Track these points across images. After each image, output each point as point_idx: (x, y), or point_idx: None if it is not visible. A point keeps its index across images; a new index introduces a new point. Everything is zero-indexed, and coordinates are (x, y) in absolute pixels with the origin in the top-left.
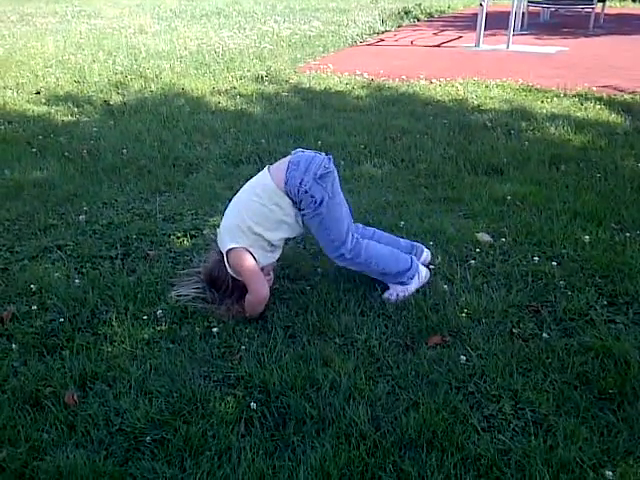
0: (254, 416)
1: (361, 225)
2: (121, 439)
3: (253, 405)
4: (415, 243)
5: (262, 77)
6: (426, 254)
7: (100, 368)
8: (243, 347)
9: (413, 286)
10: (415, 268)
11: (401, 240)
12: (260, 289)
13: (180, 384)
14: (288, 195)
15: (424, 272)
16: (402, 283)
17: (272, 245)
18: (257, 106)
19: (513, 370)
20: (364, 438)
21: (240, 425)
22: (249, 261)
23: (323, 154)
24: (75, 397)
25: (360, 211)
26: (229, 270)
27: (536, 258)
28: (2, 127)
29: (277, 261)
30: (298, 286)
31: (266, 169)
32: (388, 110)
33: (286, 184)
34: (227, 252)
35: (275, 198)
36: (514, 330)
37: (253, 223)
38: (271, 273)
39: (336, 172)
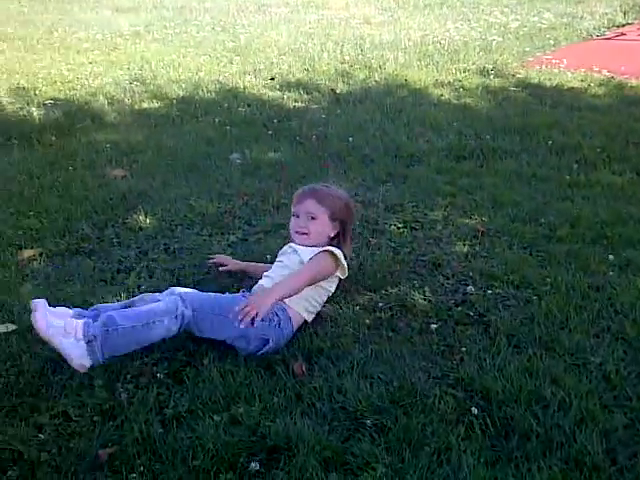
0: (474, 422)
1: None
2: (343, 417)
3: (474, 410)
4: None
5: (488, 70)
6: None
7: (325, 344)
8: (464, 349)
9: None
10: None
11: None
12: None
13: (400, 374)
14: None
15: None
16: None
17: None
18: (481, 100)
19: None
20: (597, 470)
21: (460, 427)
22: None
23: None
24: (304, 368)
25: (595, 222)
26: None
27: None
28: (242, 110)
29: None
30: (523, 294)
31: None
32: (631, 112)
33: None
34: None
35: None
36: None
37: None
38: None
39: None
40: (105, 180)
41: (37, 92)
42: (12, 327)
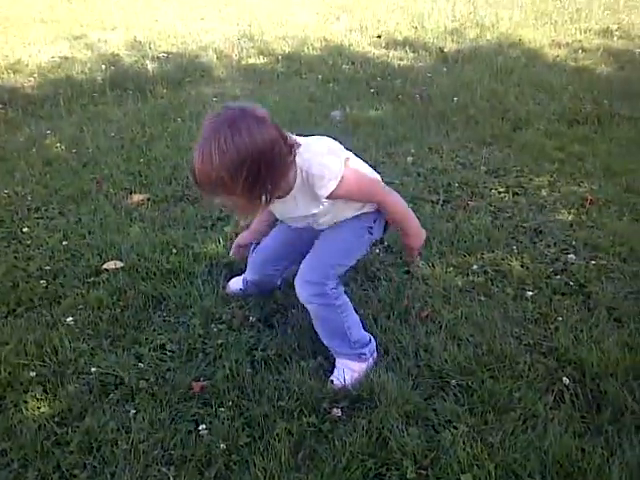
0: (565, 392)
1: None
2: (428, 374)
3: (565, 380)
4: None
5: (612, 31)
6: None
7: (413, 303)
8: (560, 318)
9: (369, 363)
10: (374, 342)
11: None
12: None
13: (490, 338)
14: None
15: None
16: (360, 356)
17: None
18: (602, 63)
19: None
20: None
21: (549, 396)
22: None
23: None
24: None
25: None
26: None
27: None
28: (346, 67)
29: None
30: (630, 268)
31: None
32: None
33: None
34: None
35: None
36: None
37: None
38: None
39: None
40: None
41: (152, 46)
42: (120, 264)
